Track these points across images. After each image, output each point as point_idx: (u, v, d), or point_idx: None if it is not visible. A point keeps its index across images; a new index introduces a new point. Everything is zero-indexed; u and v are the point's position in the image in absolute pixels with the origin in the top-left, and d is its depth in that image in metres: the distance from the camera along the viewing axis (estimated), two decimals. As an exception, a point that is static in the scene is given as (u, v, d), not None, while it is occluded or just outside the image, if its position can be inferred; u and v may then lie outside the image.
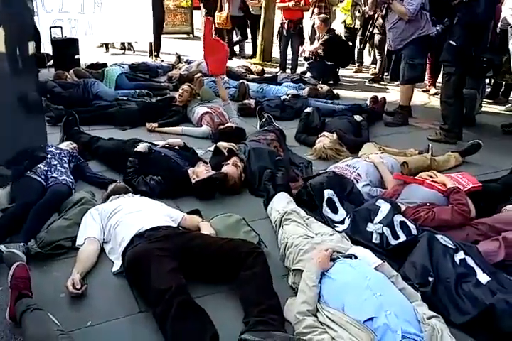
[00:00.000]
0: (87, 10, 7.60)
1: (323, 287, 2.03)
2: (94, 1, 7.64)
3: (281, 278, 2.42)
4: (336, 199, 3.00)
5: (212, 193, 3.34)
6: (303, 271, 2.20)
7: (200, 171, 3.37)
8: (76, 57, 6.93)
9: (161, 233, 2.44)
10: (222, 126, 4.56)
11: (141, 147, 3.57)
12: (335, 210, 2.97)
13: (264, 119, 4.80)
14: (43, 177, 3.12)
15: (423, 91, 7.11)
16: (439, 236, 2.47)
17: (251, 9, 9.33)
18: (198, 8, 10.20)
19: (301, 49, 7.81)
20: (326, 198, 3.00)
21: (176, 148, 3.88)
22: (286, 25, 7.67)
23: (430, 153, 4.06)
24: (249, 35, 9.57)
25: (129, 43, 9.85)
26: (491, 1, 4.43)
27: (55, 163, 3.31)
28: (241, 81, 6.27)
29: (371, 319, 1.77)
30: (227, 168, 3.42)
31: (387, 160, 3.59)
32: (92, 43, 8.84)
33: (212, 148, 3.97)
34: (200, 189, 3.30)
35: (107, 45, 9.69)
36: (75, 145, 3.80)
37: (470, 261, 2.34)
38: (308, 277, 2.09)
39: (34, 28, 7.33)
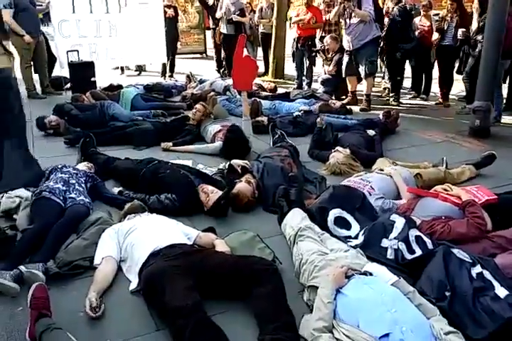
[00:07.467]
0: (103, 33, 7.79)
1: (338, 304, 2.02)
2: (109, 24, 7.82)
3: (297, 294, 2.41)
4: (346, 215, 3.00)
5: (224, 213, 3.33)
6: (318, 287, 2.19)
7: (210, 196, 3.31)
8: (92, 79, 7.09)
9: (177, 251, 2.46)
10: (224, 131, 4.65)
11: None
12: (347, 226, 2.96)
13: (277, 136, 4.83)
14: (61, 198, 3.17)
15: (436, 104, 7.09)
16: (455, 250, 2.44)
17: (262, 28, 9.51)
18: (209, 29, 10.44)
19: (319, 72, 7.86)
20: (332, 219, 2.98)
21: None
22: (295, 42, 7.89)
23: (445, 165, 4.04)
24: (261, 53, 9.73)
25: (144, 64, 10.07)
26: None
27: (73, 181, 3.37)
28: (253, 98, 6.33)
29: (387, 335, 1.76)
30: (240, 185, 3.45)
31: (401, 172, 3.58)
32: (109, 66, 9.06)
33: (222, 166, 3.95)
34: (214, 213, 3.31)
35: (122, 67, 9.90)
36: (91, 165, 3.86)
37: (487, 275, 2.30)
38: (323, 294, 2.08)
39: (50, 53, 7.61)
